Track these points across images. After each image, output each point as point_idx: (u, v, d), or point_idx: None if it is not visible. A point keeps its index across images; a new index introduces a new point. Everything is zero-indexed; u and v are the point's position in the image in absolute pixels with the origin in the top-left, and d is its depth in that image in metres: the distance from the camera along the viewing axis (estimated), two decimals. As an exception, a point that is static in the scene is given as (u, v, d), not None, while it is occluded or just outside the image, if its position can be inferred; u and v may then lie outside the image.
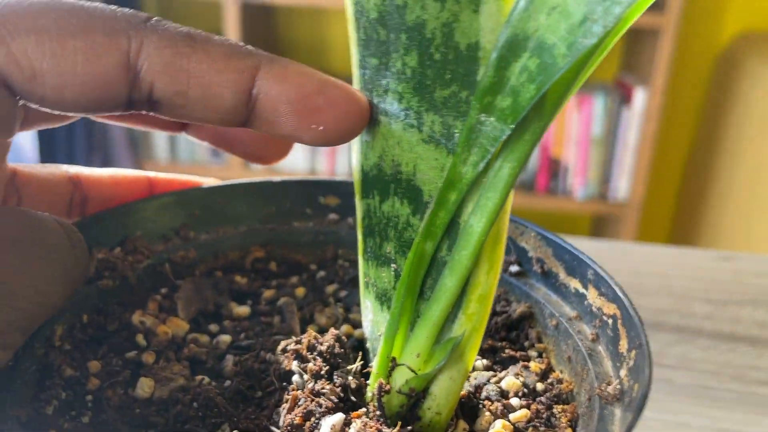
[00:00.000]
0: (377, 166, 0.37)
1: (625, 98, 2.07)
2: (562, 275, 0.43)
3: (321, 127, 0.34)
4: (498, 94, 0.30)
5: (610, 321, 0.38)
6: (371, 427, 0.34)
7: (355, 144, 0.38)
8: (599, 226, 2.50)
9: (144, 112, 0.34)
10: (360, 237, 0.40)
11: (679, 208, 2.37)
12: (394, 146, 0.36)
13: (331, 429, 0.34)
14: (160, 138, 2.16)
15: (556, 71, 0.28)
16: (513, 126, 0.30)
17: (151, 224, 0.46)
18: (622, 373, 0.36)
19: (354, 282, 0.49)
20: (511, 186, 0.32)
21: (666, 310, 0.84)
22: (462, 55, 0.32)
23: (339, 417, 0.34)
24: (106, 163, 2.16)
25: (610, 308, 0.39)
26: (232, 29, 1.97)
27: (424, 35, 0.32)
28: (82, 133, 2.05)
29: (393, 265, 0.38)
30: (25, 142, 1.99)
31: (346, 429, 0.34)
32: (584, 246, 0.57)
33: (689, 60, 2.15)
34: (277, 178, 0.50)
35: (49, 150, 2.07)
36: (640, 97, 2.01)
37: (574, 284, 0.42)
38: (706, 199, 2.14)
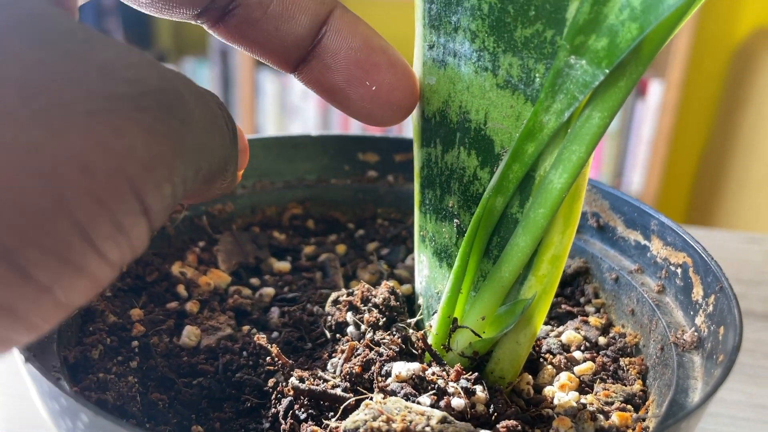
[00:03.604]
0: (441, 112, 0.34)
1: (640, 91, 2.05)
2: (621, 228, 0.41)
3: (373, 87, 0.32)
4: (592, 34, 0.27)
5: (679, 270, 0.36)
6: (443, 375, 0.32)
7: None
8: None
9: (222, 25, 0.32)
10: (417, 188, 0.37)
11: (693, 202, 2.36)
12: (463, 91, 0.33)
13: (402, 374, 0.32)
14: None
15: (666, 8, 0.25)
16: (608, 70, 0.27)
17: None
18: (698, 320, 0.34)
19: (396, 240, 0.47)
20: (600, 138, 0.29)
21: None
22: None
23: (415, 366, 0.32)
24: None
25: (678, 257, 0.37)
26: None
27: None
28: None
29: (456, 221, 0.35)
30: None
31: (414, 377, 0.32)
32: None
33: (705, 54, 2.13)
34: (315, 133, 0.48)
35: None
36: (655, 90, 1.99)
37: (635, 236, 0.40)
38: (720, 194, 2.12)
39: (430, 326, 0.36)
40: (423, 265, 0.38)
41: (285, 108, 2.10)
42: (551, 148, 0.30)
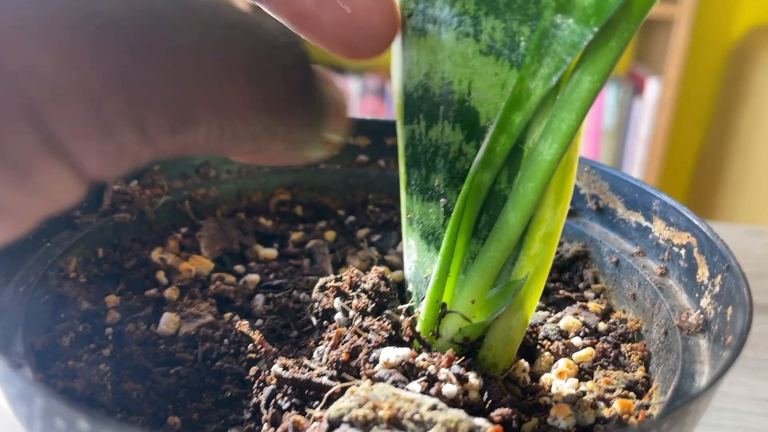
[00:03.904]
0: (423, 85, 0.32)
1: (638, 89, 2.04)
2: (621, 210, 0.39)
3: (348, 8, 0.28)
4: None
5: (682, 251, 0.35)
6: (434, 361, 0.30)
7: (396, 60, 0.33)
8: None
9: None
10: (402, 168, 0.35)
11: (691, 201, 2.34)
12: (444, 60, 0.31)
13: (390, 360, 0.30)
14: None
15: None
16: (597, 29, 0.25)
17: (170, 160, 0.43)
18: (704, 302, 0.32)
19: (387, 225, 0.46)
20: (591, 104, 0.27)
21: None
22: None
23: (405, 351, 0.30)
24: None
25: (681, 238, 0.35)
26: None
27: None
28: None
29: (442, 200, 0.33)
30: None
31: (403, 364, 0.30)
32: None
33: (702, 51, 2.12)
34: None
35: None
36: (652, 88, 1.97)
37: (636, 218, 0.38)
38: (718, 191, 2.11)
39: (419, 312, 0.34)
40: (411, 249, 0.36)
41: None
42: (540, 117, 0.28)
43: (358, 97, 2.08)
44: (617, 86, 2.10)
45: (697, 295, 0.33)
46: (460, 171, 0.32)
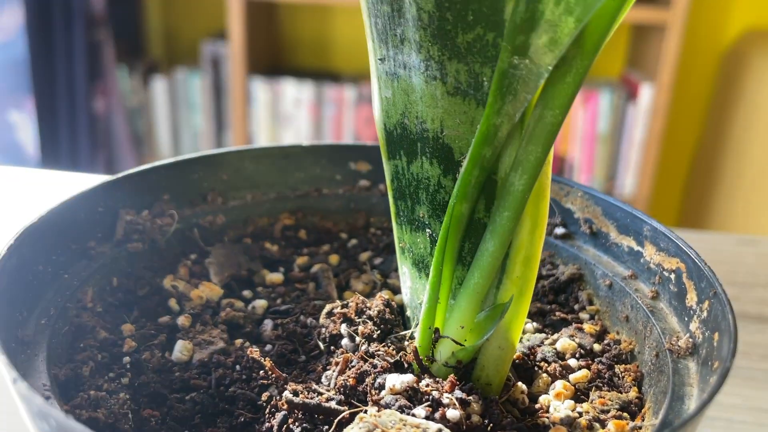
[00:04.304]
0: (401, 124, 0.34)
1: (631, 94, 2.06)
2: (614, 234, 0.41)
3: None
4: (532, 32, 0.26)
5: (672, 276, 0.36)
6: (437, 386, 0.32)
7: (376, 101, 0.35)
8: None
9: None
10: (391, 200, 0.37)
11: (685, 205, 2.36)
12: (417, 102, 0.33)
13: (396, 387, 0.32)
14: (162, 135, 2.14)
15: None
16: (551, 67, 0.27)
17: (178, 188, 0.44)
18: (693, 326, 0.34)
19: (389, 248, 0.47)
20: (555, 136, 0.29)
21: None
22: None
23: (409, 378, 0.32)
24: (109, 161, 2.13)
25: (671, 263, 0.37)
26: (236, 26, 1.95)
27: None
28: (86, 132, 2.03)
29: (428, 230, 0.35)
30: (27, 140, 1.97)
31: (408, 389, 0.32)
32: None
33: (695, 56, 2.14)
34: (306, 143, 0.48)
35: (52, 149, 2.05)
36: (646, 93, 1.99)
37: (628, 242, 0.40)
38: (712, 196, 2.13)
39: (414, 338, 0.35)
40: (405, 276, 0.38)
41: (277, 116, 2.10)
42: (509, 150, 0.30)
43: (353, 105, 2.09)
44: (611, 92, 2.12)
45: (686, 318, 0.34)
46: (441, 203, 0.34)
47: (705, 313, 0.33)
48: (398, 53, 0.32)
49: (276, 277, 0.44)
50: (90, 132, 2.03)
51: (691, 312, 0.34)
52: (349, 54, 2.25)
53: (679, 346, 0.33)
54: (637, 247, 0.39)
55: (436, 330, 0.34)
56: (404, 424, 0.29)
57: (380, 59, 0.33)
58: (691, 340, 0.33)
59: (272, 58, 2.21)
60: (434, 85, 0.31)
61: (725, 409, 0.65)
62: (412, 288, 0.38)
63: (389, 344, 0.35)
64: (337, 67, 2.25)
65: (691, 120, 2.28)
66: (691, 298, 0.34)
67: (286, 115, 2.11)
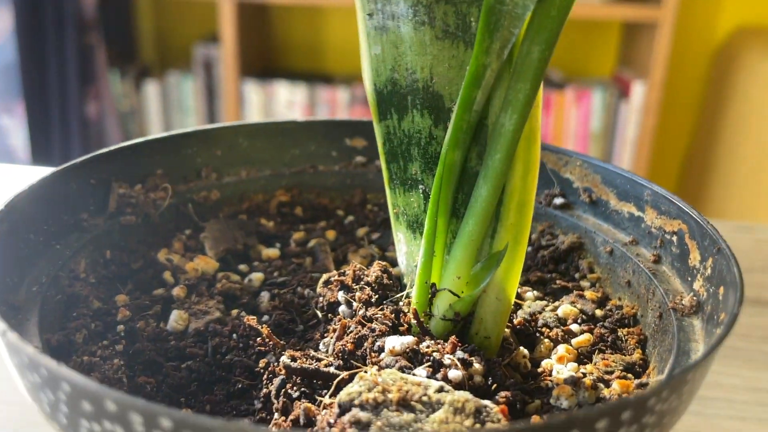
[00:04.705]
0: (391, 80, 0.34)
1: (624, 93, 2.06)
2: (614, 201, 0.41)
3: None
4: None
5: (674, 238, 0.36)
6: (438, 348, 0.31)
7: (365, 62, 0.35)
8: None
9: None
10: (384, 165, 0.36)
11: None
12: (406, 52, 0.32)
13: (395, 348, 0.31)
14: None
15: None
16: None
17: (172, 163, 0.44)
18: (696, 285, 0.33)
19: (386, 224, 0.47)
20: (543, 73, 0.29)
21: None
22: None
23: (409, 339, 0.31)
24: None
25: (673, 225, 0.36)
26: (228, 29, 1.95)
27: None
28: (78, 136, 2.02)
29: (421, 186, 0.35)
30: (19, 145, 1.95)
31: (408, 351, 0.31)
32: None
33: (687, 54, 2.15)
34: (301, 119, 0.48)
35: (44, 154, 2.03)
36: (638, 91, 2.00)
37: (628, 208, 0.40)
38: (706, 194, 2.13)
39: (410, 297, 0.35)
40: (401, 243, 0.37)
41: (270, 119, 2.09)
42: (498, 91, 0.30)
43: (347, 107, 2.09)
44: (603, 90, 2.13)
45: (689, 278, 0.34)
46: (433, 155, 0.34)
47: (709, 271, 0.32)
48: (386, 3, 0.32)
49: (272, 251, 0.43)
50: (82, 136, 2.02)
51: (695, 271, 0.34)
52: (341, 55, 2.24)
53: (683, 305, 0.32)
54: (637, 213, 0.39)
55: (433, 284, 0.33)
56: (405, 382, 0.28)
57: (369, 14, 0.33)
58: (695, 298, 0.33)
59: (264, 60, 2.21)
60: (423, 31, 0.31)
61: (726, 390, 0.65)
62: (408, 252, 0.37)
63: (386, 307, 0.34)
64: (329, 68, 2.25)
65: (683, 118, 2.28)
66: (694, 258, 0.34)
67: (279, 117, 2.11)
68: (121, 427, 0.21)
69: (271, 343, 0.34)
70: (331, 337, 0.34)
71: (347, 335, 0.33)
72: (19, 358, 0.24)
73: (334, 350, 0.33)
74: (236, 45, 1.98)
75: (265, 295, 0.38)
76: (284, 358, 0.31)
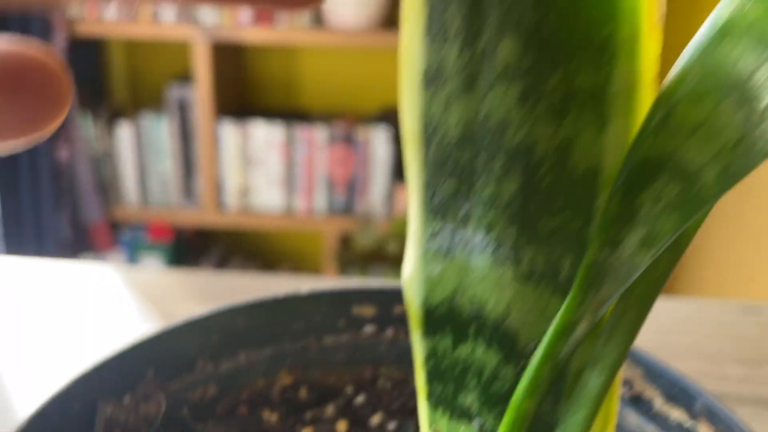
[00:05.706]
0: (449, 303, 0.30)
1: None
2: (659, 402, 0.37)
3: None
4: (626, 225, 0.24)
5: (738, 472, 0.32)
6: None
7: (415, 275, 0.31)
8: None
9: None
10: (423, 378, 0.32)
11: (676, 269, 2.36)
12: (476, 283, 0.28)
13: None
14: (129, 182, 2.07)
15: (704, 200, 0.22)
16: (644, 265, 0.24)
17: (164, 359, 0.39)
18: None
19: (404, 410, 0.42)
20: (637, 333, 0.25)
21: (700, 372, 0.79)
22: (577, 181, 0.26)
23: None
24: (74, 211, 2.05)
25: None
26: (202, 69, 1.89)
27: (530, 159, 0.26)
28: (48, 182, 1.95)
29: (477, 421, 0.31)
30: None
31: None
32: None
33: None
34: (304, 291, 0.43)
35: (12, 201, 1.97)
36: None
37: (676, 414, 0.36)
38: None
39: None
40: None
41: (247, 159, 2.04)
42: (585, 346, 0.26)
43: (326, 146, 2.05)
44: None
45: None
46: (497, 393, 0.30)
47: None
48: (458, 231, 0.28)
49: (278, 457, 0.39)
50: (53, 182, 1.96)
51: None
52: (318, 92, 2.20)
53: None
54: (688, 421, 0.35)
55: None
56: None
57: (432, 234, 0.29)
58: None
59: (240, 99, 2.16)
60: (502, 269, 0.27)
61: None
62: None
63: None
64: (306, 105, 2.20)
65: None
66: None
67: (255, 158, 2.06)
68: None
69: None
70: None
71: None
72: None
73: None
74: (211, 85, 1.93)
75: None
76: None
